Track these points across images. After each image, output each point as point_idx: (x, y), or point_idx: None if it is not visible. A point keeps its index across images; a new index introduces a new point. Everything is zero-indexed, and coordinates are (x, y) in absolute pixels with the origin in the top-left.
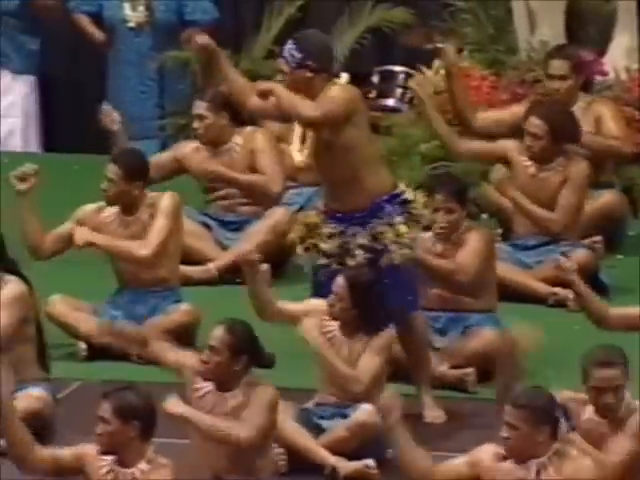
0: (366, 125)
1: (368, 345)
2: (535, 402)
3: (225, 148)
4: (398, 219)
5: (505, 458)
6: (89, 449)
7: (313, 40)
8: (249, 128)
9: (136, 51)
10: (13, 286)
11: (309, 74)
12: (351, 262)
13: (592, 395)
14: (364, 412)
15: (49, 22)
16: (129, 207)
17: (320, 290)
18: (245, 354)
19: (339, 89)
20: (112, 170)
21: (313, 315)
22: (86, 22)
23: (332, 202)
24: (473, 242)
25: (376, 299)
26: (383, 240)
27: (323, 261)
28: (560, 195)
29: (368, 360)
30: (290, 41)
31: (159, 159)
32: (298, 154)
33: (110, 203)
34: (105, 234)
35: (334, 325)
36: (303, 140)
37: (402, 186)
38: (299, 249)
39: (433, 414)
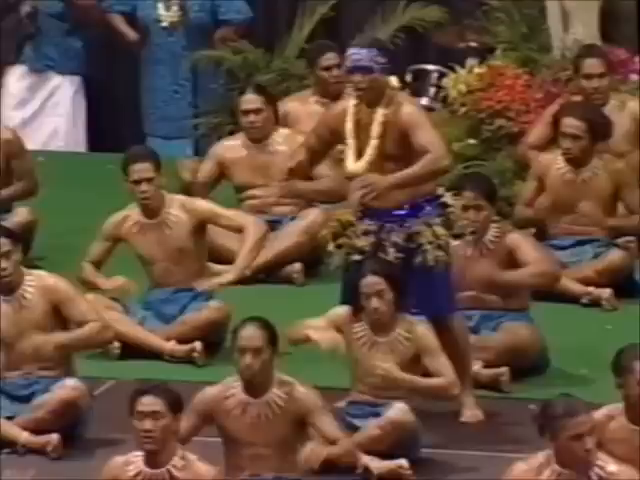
0: None
1: (423, 346)
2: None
3: (267, 143)
4: (436, 220)
5: (543, 467)
6: (114, 464)
7: (384, 44)
8: (285, 129)
9: (169, 51)
10: (47, 276)
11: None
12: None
13: (632, 390)
14: (398, 410)
15: (87, 23)
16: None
17: (351, 287)
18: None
19: (412, 103)
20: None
21: (339, 326)
22: (120, 22)
23: (372, 200)
24: (524, 241)
25: (403, 286)
26: (419, 240)
27: (357, 258)
28: (624, 195)
29: (442, 360)
30: (363, 49)
31: (203, 175)
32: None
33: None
34: (131, 242)
35: (361, 327)
36: (359, 155)
37: (441, 190)
38: (330, 246)
39: (471, 413)
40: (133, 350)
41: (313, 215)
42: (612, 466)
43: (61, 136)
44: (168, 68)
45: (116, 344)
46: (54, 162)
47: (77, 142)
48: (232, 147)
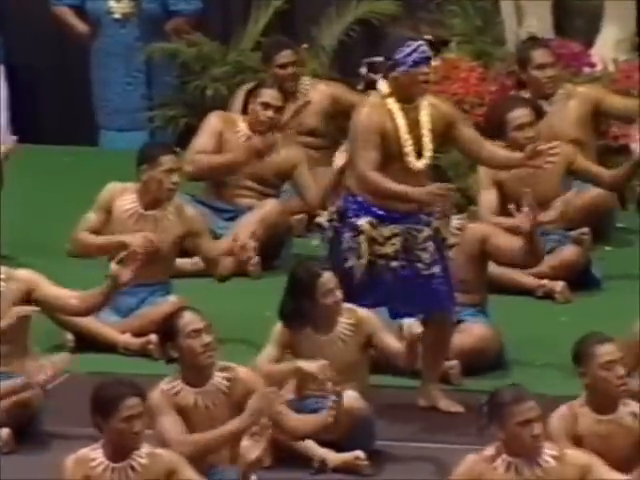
0: None
1: (369, 328)
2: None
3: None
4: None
5: (494, 458)
6: (79, 461)
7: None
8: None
9: (122, 42)
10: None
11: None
12: (425, 255)
13: (595, 376)
14: (350, 398)
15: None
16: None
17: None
18: None
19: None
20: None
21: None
22: (69, 14)
23: (392, 203)
24: (493, 231)
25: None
26: (441, 234)
27: (394, 264)
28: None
29: (388, 335)
30: (423, 41)
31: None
32: (418, 163)
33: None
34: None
35: (305, 331)
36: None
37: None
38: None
39: (448, 402)
40: (87, 343)
41: (269, 205)
42: (559, 451)
43: None
44: (121, 60)
45: (70, 337)
46: None
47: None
48: (231, 125)
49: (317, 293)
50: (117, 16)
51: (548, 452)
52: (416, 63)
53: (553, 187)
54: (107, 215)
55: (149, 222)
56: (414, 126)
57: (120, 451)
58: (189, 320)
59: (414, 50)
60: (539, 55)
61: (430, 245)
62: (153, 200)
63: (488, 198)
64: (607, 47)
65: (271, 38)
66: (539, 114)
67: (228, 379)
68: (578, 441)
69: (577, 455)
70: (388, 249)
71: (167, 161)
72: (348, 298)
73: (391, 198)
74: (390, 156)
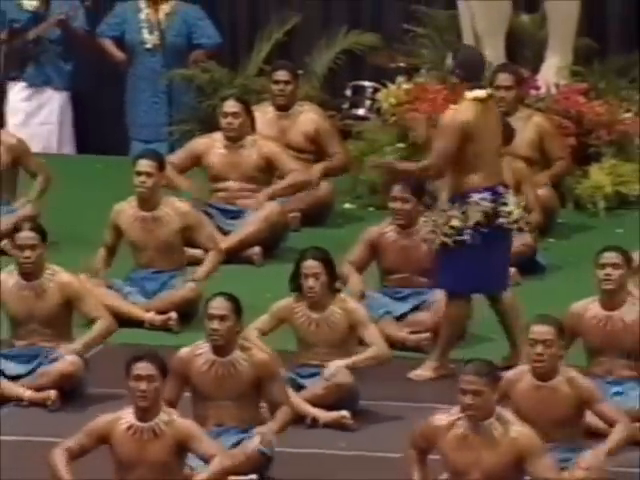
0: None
1: (355, 319)
2: (491, 369)
3: (242, 144)
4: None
5: (454, 424)
6: (107, 418)
7: (464, 53)
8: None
9: (151, 68)
10: (63, 272)
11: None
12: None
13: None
14: (339, 375)
15: (78, 47)
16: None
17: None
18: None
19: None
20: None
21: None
22: (110, 45)
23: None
24: None
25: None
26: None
27: (462, 237)
28: (523, 190)
29: (372, 331)
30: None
31: (176, 158)
32: None
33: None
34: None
35: (301, 307)
36: None
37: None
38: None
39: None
40: (118, 319)
41: (270, 207)
42: (505, 422)
43: (53, 140)
44: (149, 83)
45: None
46: (49, 162)
47: (66, 145)
48: (211, 143)
49: (301, 274)
50: (149, 46)
51: (496, 421)
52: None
53: None
54: (118, 231)
55: (148, 221)
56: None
57: (139, 411)
58: (137, 366)
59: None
60: (500, 78)
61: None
62: (143, 202)
63: None
64: (550, 73)
65: (277, 61)
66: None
67: (246, 357)
68: (518, 401)
69: (523, 433)
70: (457, 223)
71: (138, 165)
72: None
73: None
74: None
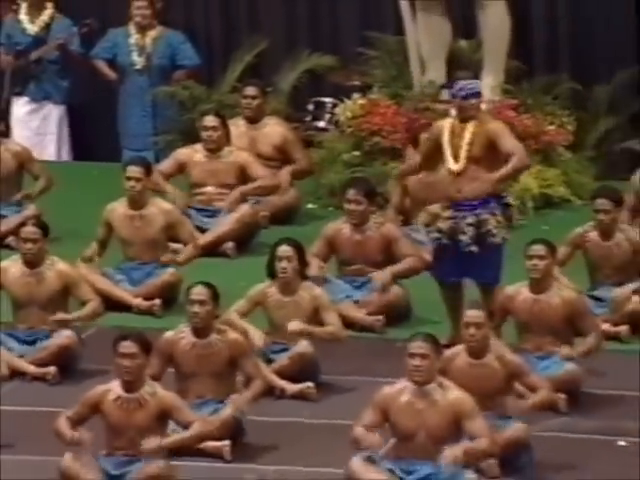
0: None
1: (319, 303)
2: (435, 340)
3: (222, 153)
4: (498, 212)
5: (401, 391)
6: (97, 390)
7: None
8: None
9: (139, 86)
10: (61, 262)
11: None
12: (463, 237)
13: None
14: (302, 346)
15: (76, 67)
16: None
17: (440, 255)
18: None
19: (495, 118)
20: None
21: (257, 301)
22: (103, 66)
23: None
24: (397, 231)
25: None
26: (486, 225)
27: (437, 236)
28: None
29: (331, 314)
30: (473, 80)
31: (164, 167)
32: (455, 166)
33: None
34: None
35: (273, 291)
36: (455, 158)
37: (507, 194)
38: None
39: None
40: (110, 302)
41: (244, 209)
42: (440, 389)
43: (52, 148)
44: (138, 99)
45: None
46: (49, 168)
47: (64, 153)
48: (192, 153)
49: (275, 258)
50: (138, 67)
51: (437, 387)
52: (464, 97)
53: None
54: (109, 228)
55: (136, 219)
56: (456, 139)
57: (125, 384)
58: (122, 345)
59: (460, 88)
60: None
61: (470, 230)
62: (133, 203)
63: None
64: (485, 91)
65: (249, 80)
66: None
67: (222, 338)
68: (455, 377)
69: (460, 397)
70: (442, 225)
71: (128, 171)
72: None
73: None
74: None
